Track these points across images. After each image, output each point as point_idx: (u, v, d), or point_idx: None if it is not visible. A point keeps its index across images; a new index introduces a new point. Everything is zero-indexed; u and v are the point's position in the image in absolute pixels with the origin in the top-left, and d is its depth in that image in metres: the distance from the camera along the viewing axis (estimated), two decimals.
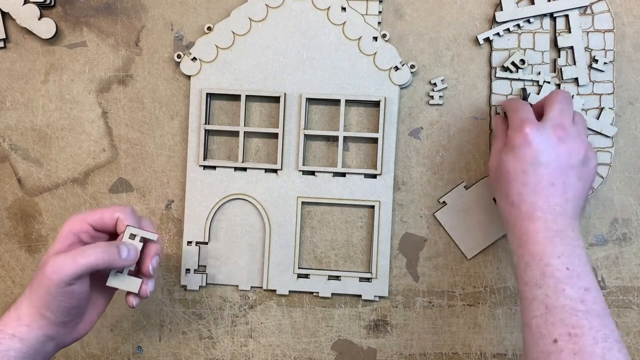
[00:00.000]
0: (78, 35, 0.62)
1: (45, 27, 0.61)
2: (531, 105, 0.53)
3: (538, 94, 0.58)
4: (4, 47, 0.62)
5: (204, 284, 0.61)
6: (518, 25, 0.59)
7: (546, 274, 0.44)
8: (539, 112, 0.52)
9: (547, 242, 0.46)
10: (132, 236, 0.49)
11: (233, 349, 0.62)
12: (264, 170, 0.60)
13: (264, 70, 0.60)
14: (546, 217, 0.47)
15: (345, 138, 0.60)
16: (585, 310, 0.43)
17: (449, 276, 0.60)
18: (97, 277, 0.49)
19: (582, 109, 0.59)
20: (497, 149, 0.52)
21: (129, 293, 0.50)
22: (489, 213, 0.59)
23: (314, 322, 0.61)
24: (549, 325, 0.43)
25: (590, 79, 0.59)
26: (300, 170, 0.60)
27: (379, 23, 0.60)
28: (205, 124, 0.60)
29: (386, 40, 0.60)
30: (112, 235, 0.51)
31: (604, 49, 0.59)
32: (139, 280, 0.50)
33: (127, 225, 0.49)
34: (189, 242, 0.61)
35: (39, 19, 0.60)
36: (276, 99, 0.60)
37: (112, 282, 0.49)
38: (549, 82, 0.59)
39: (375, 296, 0.60)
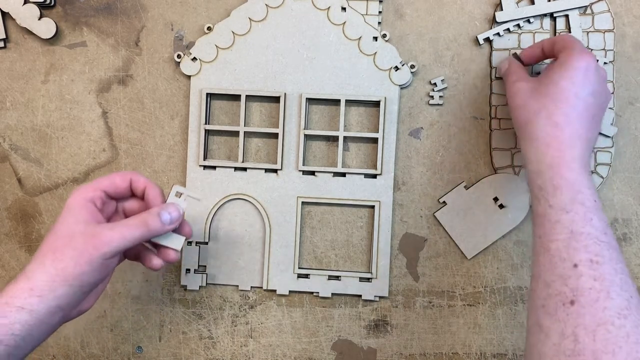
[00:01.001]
0: (78, 35, 0.62)
1: (45, 27, 0.61)
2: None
3: None
4: (4, 47, 0.62)
5: (204, 284, 0.61)
6: (518, 25, 0.59)
7: (577, 200, 0.44)
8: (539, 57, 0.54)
9: (582, 171, 0.46)
10: (178, 194, 0.50)
11: (233, 349, 0.62)
12: (264, 170, 0.60)
13: (264, 70, 0.60)
14: (583, 147, 0.47)
15: (345, 138, 0.60)
16: (607, 242, 0.43)
17: (449, 276, 0.60)
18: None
19: None
20: (519, 77, 0.52)
21: (161, 252, 0.50)
22: (489, 213, 0.59)
23: (314, 322, 0.61)
24: (571, 250, 0.43)
25: None
26: (300, 170, 0.60)
27: (379, 23, 0.60)
28: (205, 124, 0.60)
29: (386, 40, 0.60)
30: (123, 200, 0.51)
31: (604, 49, 0.59)
32: (182, 238, 0.50)
33: (174, 185, 0.50)
34: (189, 242, 0.61)
35: (39, 19, 0.60)
36: (276, 99, 0.60)
37: (157, 237, 0.49)
38: None
39: (375, 296, 0.60)
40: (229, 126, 0.61)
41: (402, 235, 0.61)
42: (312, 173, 0.60)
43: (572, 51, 0.49)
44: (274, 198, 0.60)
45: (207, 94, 0.60)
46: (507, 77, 0.54)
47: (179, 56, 0.61)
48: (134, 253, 0.51)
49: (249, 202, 0.61)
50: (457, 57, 0.60)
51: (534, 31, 0.59)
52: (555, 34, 0.59)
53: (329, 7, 0.59)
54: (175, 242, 0.50)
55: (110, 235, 0.45)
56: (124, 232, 0.45)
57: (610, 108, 0.58)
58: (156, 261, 0.50)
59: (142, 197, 0.51)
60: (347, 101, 0.60)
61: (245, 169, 0.61)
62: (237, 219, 0.61)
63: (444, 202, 0.60)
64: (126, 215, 0.51)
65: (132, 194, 0.51)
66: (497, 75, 0.59)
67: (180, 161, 0.62)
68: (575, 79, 0.48)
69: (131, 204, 0.51)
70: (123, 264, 0.52)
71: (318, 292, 0.61)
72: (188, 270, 0.61)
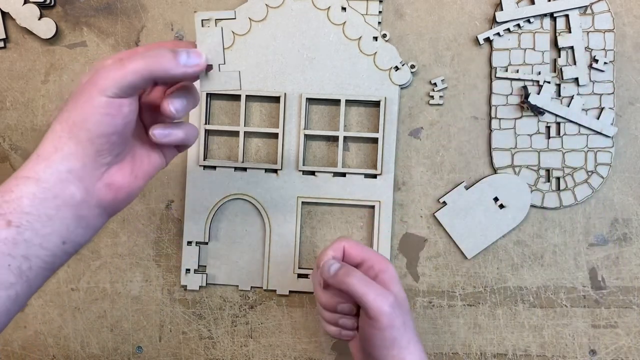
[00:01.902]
0: (78, 35, 0.62)
1: (45, 27, 0.61)
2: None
3: (538, 93, 0.58)
4: (4, 47, 0.62)
5: (204, 284, 0.61)
6: (518, 25, 0.59)
7: None
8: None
9: None
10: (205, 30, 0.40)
11: (233, 349, 0.62)
12: (264, 170, 0.60)
13: (264, 70, 0.60)
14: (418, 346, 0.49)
15: (345, 138, 0.60)
16: None
17: (449, 276, 0.60)
18: (146, 117, 0.43)
19: (583, 109, 0.59)
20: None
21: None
22: (489, 213, 0.59)
23: (314, 322, 0.61)
24: None
25: (590, 79, 0.59)
26: (300, 170, 0.60)
27: (379, 23, 0.60)
28: (206, 124, 0.60)
29: (386, 40, 0.59)
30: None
31: (604, 49, 0.59)
32: (236, 73, 0.41)
33: (195, 12, 0.41)
34: (189, 242, 0.61)
35: (39, 19, 0.60)
36: (276, 99, 0.60)
37: (205, 85, 0.41)
38: (549, 82, 0.59)
39: None
40: (229, 126, 0.61)
41: (402, 235, 0.61)
42: (312, 173, 0.60)
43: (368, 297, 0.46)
44: (274, 198, 0.60)
45: (207, 94, 0.60)
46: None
47: None
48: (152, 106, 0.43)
49: (249, 202, 0.61)
50: (457, 57, 0.60)
51: (534, 31, 0.59)
52: (555, 34, 0.59)
53: (329, 7, 0.59)
54: (233, 81, 0.41)
55: (109, 68, 0.37)
56: (126, 64, 0.37)
57: (610, 108, 0.58)
58: (171, 105, 0.40)
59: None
60: (347, 101, 0.60)
61: (245, 169, 0.61)
62: (237, 219, 0.61)
63: (444, 202, 0.60)
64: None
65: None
66: (496, 75, 0.59)
67: (180, 161, 0.62)
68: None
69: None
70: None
71: None
72: (188, 270, 0.61)
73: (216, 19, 0.41)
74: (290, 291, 0.61)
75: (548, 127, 0.59)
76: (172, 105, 0.40)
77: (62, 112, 0.38)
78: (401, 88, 0.60)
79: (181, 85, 0.42)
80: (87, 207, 0.39)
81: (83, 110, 0.37)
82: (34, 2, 0.60)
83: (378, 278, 0.48)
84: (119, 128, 0.38)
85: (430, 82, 0.60)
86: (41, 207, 0.36)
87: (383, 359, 0.46)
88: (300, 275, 0.60)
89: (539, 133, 0.59)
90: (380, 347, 0.46)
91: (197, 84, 0.42)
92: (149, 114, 0.43)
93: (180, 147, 0.45)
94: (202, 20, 0.40)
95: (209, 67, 0.41)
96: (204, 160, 0.61)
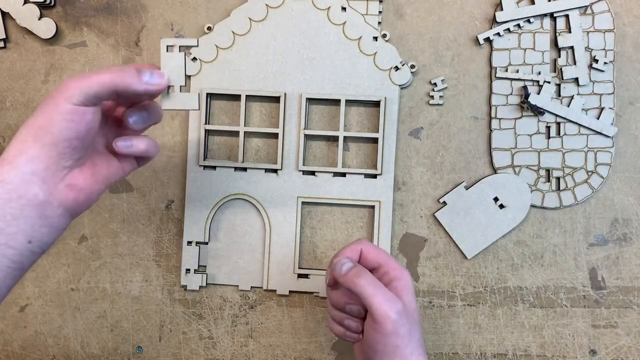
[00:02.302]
0: (78, 35, 0.62)
1: (45, 27, 0.61)
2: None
3: (538, 93, 0.58)
4: (4, 47, 0.62)
5: (204, 284, 0.61)
6: (518, 25, 0.59)
7: None
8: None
9: None
10: (169, 49, 0.45)
11: (233, 349, 0.62)
12: (264, 170, 0.60)
13: (264, 70, 0.60)
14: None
15: (345, 138, 0.60)
16: None
17: (449, 276, 0.60)
18: (106, 135, 0.46)
19: (583, 109, 0.59)
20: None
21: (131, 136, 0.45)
22: (489, 213, 0.59)
23: (314, 322, 0.61)
24: None
25: (590, 79, 0.59)
26: (300, 170, 0.60)
27: (379, 23, 0.60)
28: (206, 124, 0.60)
29: (386, 40, 0.59)
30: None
31: (604, 49, 0.59)
32: (195, 95, 0.46)
33: (161, 39, 0.45)
34: (189, 242, 0.61)
35: (39, 19, 0.60)
36: (276, 99, 0.60)
37: (165, 104, 0.45)
38: (549, 82, 0.59)
39: None
40: (229, 126, 0.61)
41: (402, 235, 0.61)
42: (312, 173, 0.60)
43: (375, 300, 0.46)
44: (274, 198, 0.60)
45: (207, 94, 0.60)
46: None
47: None
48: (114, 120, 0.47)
49: (249, 202, 0.61)
50: (457, 57, 0.60)
51: (534, 31, 0.59)
52: (555, 34, 0.59)
53: (329, 7, 0.59)
54: (191, 102, 0.45)
55: (74, 79, 0.40)
56: (92, 76, 0.40)
57: (610, 108, 0.58)
58: (130, 118, 0.45)
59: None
60: (347, 101, 0.60)
61: (245, 169, 0.61)
62: (237, 219, 0.61)
63: (444, 202, 0.60)
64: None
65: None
66: (496, 75, 0.59)
67: (180, 161, 0.62)
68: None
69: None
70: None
71: (318, 292, 0.61)
72: (188, 270, 0.61)
73: (180, 45, 0.45)
74: (290, 291, 0.61)
75: (548, 127, 0.59)
76: (130, 118, 0.45)
77: (30, 118, 0.41)
78: (401, 88, 0.60)
79: (144, 102, 0.46)
80: (50, 207, 0.41)
81: (49, 115, 0.40)
82: (34, 2, 0.60)
83: (392, 285, 0.48)
84: (82, 134, 0.41)
85: (430, 82, 0.60)
86: (6, 207, 0.39)
87: None
88: (300, 275, 0.60)
89: (539, 133, 0.59)
90: (382, 353, 0.46)
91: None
92: (114, 129, 0.47)
93: (140, 160, 0.48)
94: (167, 45, 0.45)
95: (170, 88, 0.45)
96: (204, 160, 0.61)
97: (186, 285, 0.61)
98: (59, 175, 0.42)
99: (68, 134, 0.40)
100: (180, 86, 0.45)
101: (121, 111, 0.47)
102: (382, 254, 0.50)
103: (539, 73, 0.59)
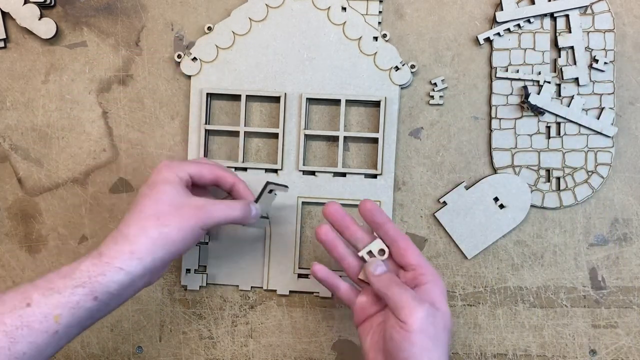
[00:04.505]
0: (78, 35, 0.62)
1: (46, 27, 0.61)
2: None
3: (538, 93, 0.58)
4: (4, 47, 0.62)
5: (204, 284, 0.61)
6: (518, 25, 0.59)
7: None
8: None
9: None
10: (270, 190, 0.54)
11: (233, 349, 0.62)
12: (264, 170, 0.60)
13: (264, 70, 0.60)
14: None
15: (345, 138, 0.60)
16: None
17: (449, 276, 0.60)
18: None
19: (583, 109, 0.59)
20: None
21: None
22: (489, 213, 0.59)
23: (314, 322, 0.61)
24: None
25: (590, 79, 0.59)
26: (300, 170, 0.60)
27: (379, 23, 0.60)
28: (206, 124, 0.60)
29: (386, 40, 0.59)
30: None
31: (604, 49, 0.59)
32: (266, 221, 0.59)
33: (268, 182, 0.53)
34: None
35: (39, 19, 0.60)
36: (276, 99, 0.60)
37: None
38: (549, 82, 0.59)
39: None
40: (229, 126, 0.61)
41: None
42: (313, 173, 0.60)
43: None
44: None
45: (207, 94, 0.60)
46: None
47: (179, 56, 0.61)
48: None
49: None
50: (458, 57, 0.60)
51: (534, 31, 0.59)
52: (555, 34, 0.59)
53: (329, 7, 0.59)
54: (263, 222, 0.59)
55: (215, 209, 0.48)
56: (227, 210, 0.49)
57: (610, 108, 0.58)
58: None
59: (228, 192, 0.54)
60: (347, 101, 0.60)
61: (245, 169, 0.61)
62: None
63: (444, 202, 0.60)
64: None
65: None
66: (497, 75, 0.59)
67: None
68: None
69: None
70: None
71: (318, 292, 0.61)
72: (188, 270, 0.61)
73: (275, 191, 0.56)
74: (290, 291, 0.61)
75: (548, 127, 0.59)
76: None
77: (150, 223, 0.47)
78: (401, 88, 0.60)
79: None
80: (142, 287, 0.49)
81: (184, 234, 0.48)
82: (34, 2, 0.60)
83: (425, 287, 0.48)
84: (193, 246, 0.49)
85: (430, 82, 0.60)
86: (122, 290, 0.46)
87: None
88: (300, 275, 0.60)
89: (539, 133, 0.59)
90: (407, 352, 0.44)
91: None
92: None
93: None
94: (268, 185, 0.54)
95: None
96: None
97: (186, 285, 0.61)
98: (162, 271, 0.50)
99: (187, 248, 0.48)
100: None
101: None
102: (422, 257, 0.50)
103: (539, 73, 0.59)
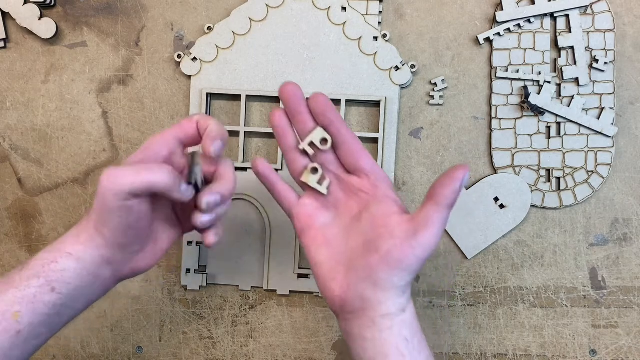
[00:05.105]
0: (78, 35, 0.62)
1: (46, 27, 0.61)
2: None
3: (538, 93, 0.58)
4: (4, 47, 0.62)
5: (204, 284, 0.61)
6: (518, 25, 0.59)
7: None
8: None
9: None
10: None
11: (233, 349, 0.62)
12: None
13: (264, 70, 0.60)
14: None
15: None
16: None
17: (449, 276, 0.60)
18: (162, 208, 0.46)
19: (583, 109, 0.59)
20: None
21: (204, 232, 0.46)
22: (489, 213, 0.59)
23: (314, 322, 0.61)
24: None
25: (590, 79, 0.59)
26: None
27: (380, 23, 0.60)
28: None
29: (386, 40, 0.59)
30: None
31: (604, 49, 0.59)
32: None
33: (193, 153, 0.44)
34: (189, 242, 0.61)
35: (39, 19, 0.60)
36: (276, 99, 0.60)
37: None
38: (549, 82, 0.59)
39: None
40: (229, 126, 0.61)
41: None
42: None
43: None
44: None
45: (207, 94, 0.60)
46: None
47: (179, 56, 0.61)
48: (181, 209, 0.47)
49: (249, 202, 0.61)
50: (458, 57, 0.60)
51: (534, 31, 0.59)
52: (555, 34, 0.59)
53: (329, 7, 0.59)
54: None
55: (120, 172, 0.40)
56: (140, 172, 0.40)
57: (610, 108, 0.58)
58: (199, 219, 0.44)
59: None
60: (347, 101, 0.60)
61: (245, 169, 0.61)
62: (237, 219, 0.61)
63: None
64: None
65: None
66: (497, 75, 0.59)
67: None
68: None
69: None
70: None
71: (318, 292, 0.61)
72: (188, 270, 0.61)
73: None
74: (290, 291, 0.61)
75: (548, 127, 0.59)
76: (199, 220, 0.44)
77: (92, 208, 0.43)
78: (401, 88, 0.60)
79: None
80: (112, 280, 0.45)
81: (100, 213, 0.42)
82: (34, 2, 0.60)
83: (383, 198, 0.44)
84: (133, 223, 0.42)
85: (430, 82, 0.60)
86: (78, 280, 0.42)
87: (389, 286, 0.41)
88: (300, 275, 0.60)
89: (539, 133, 0.59)
90: (403, 271, 0.41)
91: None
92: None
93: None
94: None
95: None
96: None
97: (186, 285, 0.61)
98: (125, 261, 0.45)
99: (121, 225, 0.42)
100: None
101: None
102: (374, 163, 0.46)
103: (539, 73, 0.59)
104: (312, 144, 0.45)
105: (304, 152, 0.46)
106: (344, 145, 0.45)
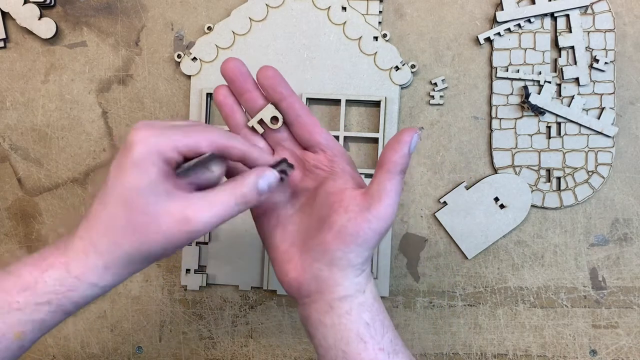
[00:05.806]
0: (78, 35, 0.62)
1: (45, 27, 0.61)
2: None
3: (539, 93, 0.58)
4: (4, 47, 0.62)
5: (204, 284, 0.61)
6: (519, 25, 0.59)
7: None
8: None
9: None
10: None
11: (233, 349, 0.62)
12: None
13: None
14: None
15: (345, 138, 0.60)
16: None
17: (449, 276, 0.60)
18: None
19: (583, 109, 0.59)
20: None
21: None
22: (489, 213, 0.59)
23: None
24: None
25: (591, 79, 0.59)
26: None
27: (380, 23, 0.60)
28: (206, 124, 0.60)
29: (387, 40, 0.59)
30: None
31: (604, 49, 0.59)
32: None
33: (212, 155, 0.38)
34: (189, 243, 0.61)
35: (39, 19, 0.60)
36: None
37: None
38: (549, 82, 0.58)
39: None
40: None
41: (403, 236, 0.60)
42: None
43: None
44: None
45: (207, 94, 0.60)
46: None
47: (179, 56, 0.61)
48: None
49: None
50: (458, 57, 0.60)
51: (534, 31, 0.59)
52: (556, 34, 0.59)
53: (329, 7, 0.59)
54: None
55: (203, 216, 0.37)
56: (219, 211, 0.37)
57: (611, 108, 0.58)
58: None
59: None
60: (347, 101, 0.60)
61: None
62: (237, 219, 0.61)
63: (444, 202, 0.60)
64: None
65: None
66: (497, 75, 0.59)
67: None
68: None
69: None
70: None
71: None
72: (188, 270, 0.61)
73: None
74: None
75: (548, 127, 0.59)
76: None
77: (118, 232, 0.38)
78: (401, 88, 0.60)
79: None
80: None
81: (166, 251, 0.38)
82: (34, 2, 0.60)
83: (342, 172, 0.43)
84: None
85: (430, 82, 0.60)
86: (92, 300, 0.39)
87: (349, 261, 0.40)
88: None
89: (540, 133, 0.59)
90: (361, 246, 0.39)
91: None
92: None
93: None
94: None
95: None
96: None
97: (186, 285, 0.61)
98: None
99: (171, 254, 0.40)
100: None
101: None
102: (330, 136, 0.44)
103: (540, 73, 0.59)
104: (261, 122, 0.43)
105: (254, 130, 0.43)
106: (297, 121, 0.43)
